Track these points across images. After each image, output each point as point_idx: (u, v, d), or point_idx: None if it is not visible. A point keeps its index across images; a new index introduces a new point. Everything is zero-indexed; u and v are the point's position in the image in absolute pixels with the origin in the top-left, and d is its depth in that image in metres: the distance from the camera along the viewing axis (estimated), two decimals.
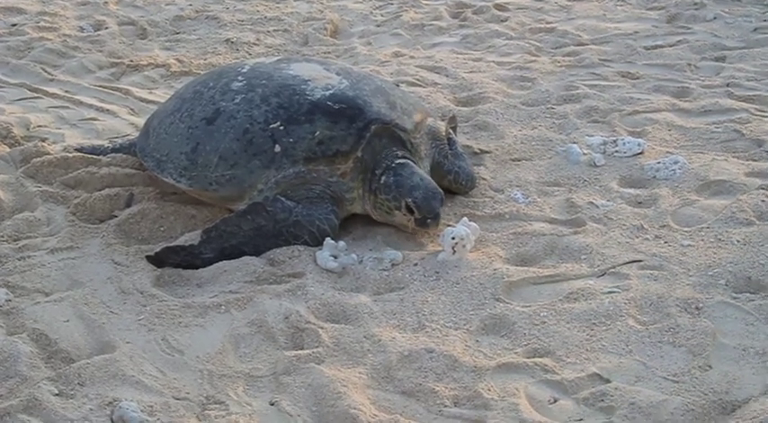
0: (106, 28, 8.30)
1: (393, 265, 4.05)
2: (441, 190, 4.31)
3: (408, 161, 4.39)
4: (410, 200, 4.18)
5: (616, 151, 5.05)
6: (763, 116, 5.53)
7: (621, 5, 8.58)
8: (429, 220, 4.21)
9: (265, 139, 4.28)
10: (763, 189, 4.48)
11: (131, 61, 7.32)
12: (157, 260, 4.08)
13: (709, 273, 3.84)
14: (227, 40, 7.90)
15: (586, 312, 3.61)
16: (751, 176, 4.67)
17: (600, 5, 8.63)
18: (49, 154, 5.06)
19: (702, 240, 4.12)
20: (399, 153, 4.41)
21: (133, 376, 3.28)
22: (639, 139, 5.12)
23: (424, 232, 4.28)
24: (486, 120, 5.63)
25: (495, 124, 5.58)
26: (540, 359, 3.37)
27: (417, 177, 4.29)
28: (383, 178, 4.28)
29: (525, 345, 3.48)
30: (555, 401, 3.17)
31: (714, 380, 3.20)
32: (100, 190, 4.70)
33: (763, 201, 4.35)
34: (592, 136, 5.28)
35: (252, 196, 4.29)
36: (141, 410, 3.08)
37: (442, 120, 5.14)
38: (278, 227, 4.16)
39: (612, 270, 3.94)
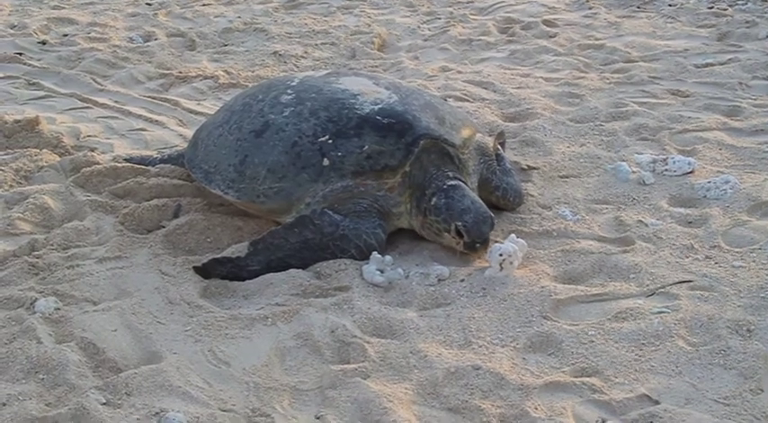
0: (155, 39, 8.41)
1: (439, 280, 4.03)
2: (491, 213, 4.25)
3: (460, 182, 4.35)
4: (460, 224, 4.15)
5: (666, 170, 4.99)
6: None
7: (672, 23, 8.52)
8: (478, 245, 4.16)
9: (314, 152, 4.28)
10: None
11: (180, 72, 7.40)
12: (204, 271, 4.09)
13: (761, 294, 3.78)
14: (275, 53, 7.95)
15: (635, 332, 3.57)
16: None
17: (650, 22, 8.57)
18: (98, 164, 5.13)
19: (754, 261, 4.06)
20: (450, 173, 4.37)
21: (180, 387, 3.28)
22: (690, 158, 5.06)
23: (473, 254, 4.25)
24: (534, 136, 5.61)
25: (543, 140, 5.55)
26: (587, 378, 3.32)
27: (468, 200, 4.25)
28: (434, 199, 4.25)
29: (573, 364, 3.43)
30: (603, 422, 3.12)
31: (766, 404, 3.13)
32: (148, 200, 4.74)
33: None
34: (641, 154, 5.23)
35: (299, 209, 4.29)
36: (188, 421, 3.09)
37: (490, 135, 5.11)
38: (325, 240, 4.16)
39: (662, 290, 3.88)
